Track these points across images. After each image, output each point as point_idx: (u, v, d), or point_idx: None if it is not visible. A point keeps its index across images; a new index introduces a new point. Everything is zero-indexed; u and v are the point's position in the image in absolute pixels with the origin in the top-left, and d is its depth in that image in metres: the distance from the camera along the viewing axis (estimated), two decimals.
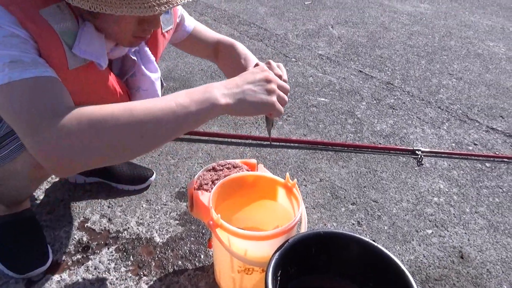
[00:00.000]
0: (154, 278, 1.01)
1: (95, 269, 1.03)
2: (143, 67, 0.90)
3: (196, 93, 0.68)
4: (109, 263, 1.05)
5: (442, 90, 2.14)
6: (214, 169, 0.96)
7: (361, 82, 2.15)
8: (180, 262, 1.06)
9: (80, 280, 1.00)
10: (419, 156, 1.56)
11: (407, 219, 1.28)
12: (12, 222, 1.02)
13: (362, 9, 3.39)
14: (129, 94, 0.92)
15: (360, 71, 2.28)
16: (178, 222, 1.19)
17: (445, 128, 1.80)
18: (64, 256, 1.06)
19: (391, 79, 2.21)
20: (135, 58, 0.88)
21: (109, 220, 1.17)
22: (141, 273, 1.03)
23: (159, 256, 1.08)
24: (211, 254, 1.09)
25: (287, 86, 0.78)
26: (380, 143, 1.65)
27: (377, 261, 0.79)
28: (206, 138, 1.58)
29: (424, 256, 1.15)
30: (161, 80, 1.04)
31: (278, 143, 1.58)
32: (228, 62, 1.03)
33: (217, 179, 0.92)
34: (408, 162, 1.54)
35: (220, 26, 2.76)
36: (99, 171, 1.26)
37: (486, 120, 1.89)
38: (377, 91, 2.07)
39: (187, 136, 1.57)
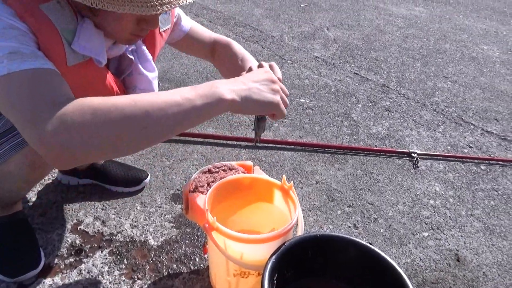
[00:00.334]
0: (149, 282, 1.00)
1: (88, 272, 1.01)
2: (140, 66, 0.89)
3: (202, 88, 0.67)
4: (102, 267, 1.03)
5: (437, 93, 2.14)
6: (209, 171, 0.95)
7: (356, 84, 2.16)
8: (174, 265, 1.05)
9: (73, 283, 0.98)
10: (415, 159, 1.56)
11: (403, 221, 1.27)
12: (4, 224, 1.01)
13: (358, 11, 3.41)
14: (126, 93, 0.91)
15: (356, 73, 2.28)
16: (173, 224, 1.17)
17: (440, 130, 1.80)
18: (56, 259, 1.04)
19: (387, 82, 2.21)
20: (132, 57, 0.88)
21: (103, 222, 1.16)
22: (135, 277, 1.01)
23: (154, 259, 1.06)
24: (206, 257, 1.08)
25: (286, 90, 0.78)
26: (376, 146, 1.65)
27: (374, 264, 0.78)
28: (202, 139, 1.57)
29: (420, 259, 1.15)
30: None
31: (266, 145, 1.57)
32: (225, 62, 1.03)
33: (212, 181, 0.91)
34: (404, 165, 1.54)
35: (216, 28, 2.76)
36: (93, 173, 1.25)
37: (481, 123, 1.89)
38: (373, 93, 2.07)
39: (182, 138, 1.56)
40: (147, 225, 1.16)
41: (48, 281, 0.98)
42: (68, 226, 1.14)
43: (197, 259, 1.07)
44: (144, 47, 0.90)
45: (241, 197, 0.94)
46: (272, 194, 0.93)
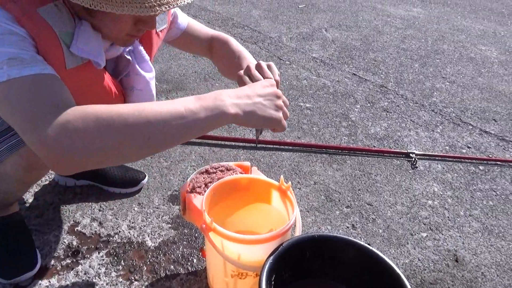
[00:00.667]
0: (146, 283, 1.00)
1: (85, 274, 1.01)
2: (137, 66, 0.89)
3: (206, 100, 0.66)
4: (99, 268, 1.02)
5: (435, 93, 2.14)
6: (207, 171, 0.95)
7: (355, 85, 2.15)
8: (172, 267, 1.05)
9: (70, 285, 0.97)
10: (413, 159, 1.56)
11: (401, 222, 1.27)
12: (0, 226, 1.00)
13: (356, 12, 3.41)
14: (124, 94, 0.91)
15: (354, 74, 2.28)
16: (170, 225, 1.17)
17: (438, 131, 1.80)
18: (53, 261, 1.03)
19: (385, 82, 2.21)
20: (129, 57, 0.88)
21: (100, 223, 1.15)
22: (132, 278, 1.01)
23: (151, 260, 1.06)
24: (204, 258, 1.07)
25: (287, 101, 0.78)
26: (374, 146, 1.65)
27: (372, 264, 0.78)
28: (199, 140, 1.57)
29: (419, 260, 1.14)
30: None
31: (264, 145, 1.57)
32: (223, 59, 1.03)
33: (210, 182, 0.91)
34: (402, 165, 1.54)
35: (214, 29, 2.74)
36: (90, 174, 1.24)
37: (479, 123, 1.89)
38: (371, 94, 2.07)
39: None
40: (145, 226, 1.16)
41: (44, 282, 0.98)
42: (65, 227, 1.13)
43: (194, 260, 1.07)
44: (141, 48, 0.90)
45: (238, 197, 0.93)
46: (270, 194, 0.92)
